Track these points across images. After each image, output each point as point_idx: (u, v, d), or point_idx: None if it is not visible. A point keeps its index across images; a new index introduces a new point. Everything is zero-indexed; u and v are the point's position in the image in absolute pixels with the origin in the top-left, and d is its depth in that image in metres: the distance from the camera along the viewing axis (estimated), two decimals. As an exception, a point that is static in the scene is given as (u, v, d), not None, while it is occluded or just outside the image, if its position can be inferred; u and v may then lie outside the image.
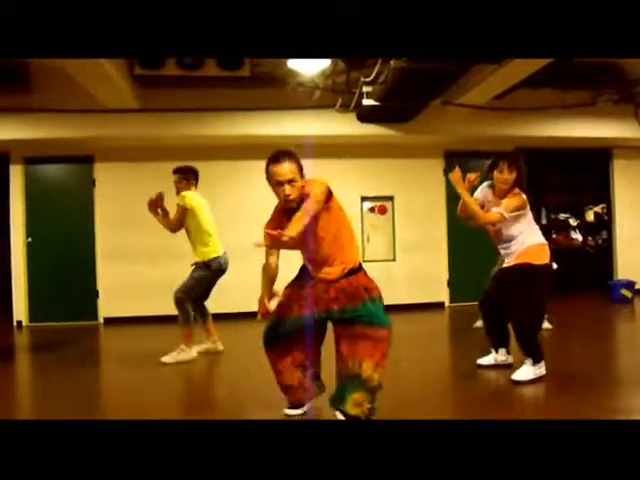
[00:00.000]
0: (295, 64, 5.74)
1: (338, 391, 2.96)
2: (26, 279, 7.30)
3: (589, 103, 7.30)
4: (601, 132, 7.66)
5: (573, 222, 8.64)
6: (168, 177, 5.10)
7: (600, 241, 8.72)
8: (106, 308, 7.36)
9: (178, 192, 4.93)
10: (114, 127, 6.62)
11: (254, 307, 3.23)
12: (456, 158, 7.98)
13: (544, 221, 8.37)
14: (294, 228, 2.61)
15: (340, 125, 6.99)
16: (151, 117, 6.61)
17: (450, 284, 8.09)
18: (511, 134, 7.38)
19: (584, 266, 8.29)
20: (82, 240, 7.36)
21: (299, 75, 6.19)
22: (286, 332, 3.07)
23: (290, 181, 2.77)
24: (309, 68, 5.87)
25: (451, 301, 8.06)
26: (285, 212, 2.89)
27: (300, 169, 2.84)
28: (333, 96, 6.75)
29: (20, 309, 7.28)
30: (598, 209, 8.70)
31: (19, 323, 7.24)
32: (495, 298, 4.11)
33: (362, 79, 6.12)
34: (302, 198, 2.80)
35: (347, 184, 7.77)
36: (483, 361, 4.30)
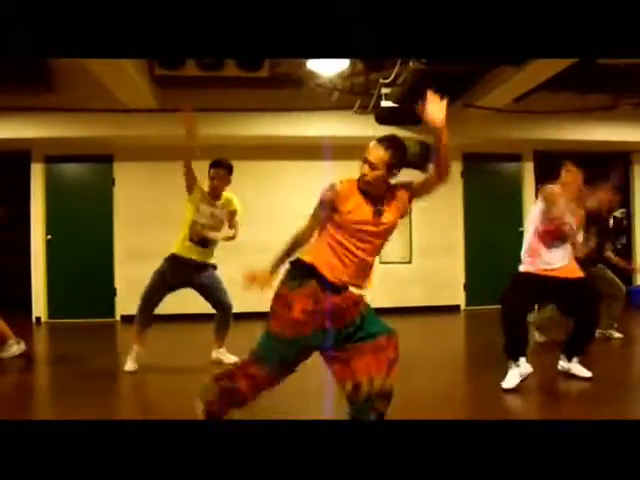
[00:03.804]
0: (314, 65, 5.74)
1: None
2: (45, 276, 7.40)
3: (610, 106, 7.22)
4: (621, 136, 7.56)
5: (592, 226, 8.54)
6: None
7: (619, 246, 8.62)
8: (123, 306, 7.41)
9: (217, 190, 4.52)
10: (134, 127, 6.69)
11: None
12: (475, 162, 7.97)
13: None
14: None
15: (358, 127, 6.97)
16: (170, 117, 6.63)
17: (466, 287, 8.05)
18: (530, 137, 7.32)
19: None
20: (101, 238, 7.44)
21: (317, 76, 6.19)
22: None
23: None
24: (327, 69, 5.86)
25: (467, 304, 8.02)
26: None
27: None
28: (351, 97, 6.75)
29: (39, 305, 7.37)
30: (617, 214, 8.60)
31: (38, 319, 7.34)
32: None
33: (381, 80, 6.12)
34: None
35: (364, 186, 7.76)
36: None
